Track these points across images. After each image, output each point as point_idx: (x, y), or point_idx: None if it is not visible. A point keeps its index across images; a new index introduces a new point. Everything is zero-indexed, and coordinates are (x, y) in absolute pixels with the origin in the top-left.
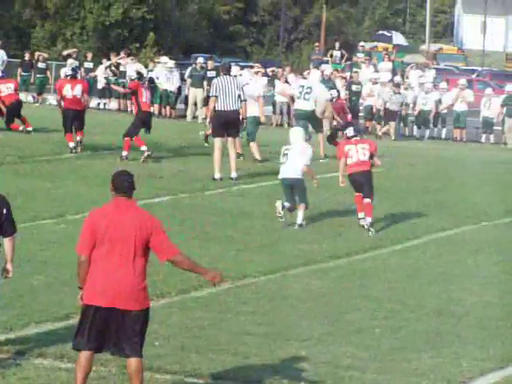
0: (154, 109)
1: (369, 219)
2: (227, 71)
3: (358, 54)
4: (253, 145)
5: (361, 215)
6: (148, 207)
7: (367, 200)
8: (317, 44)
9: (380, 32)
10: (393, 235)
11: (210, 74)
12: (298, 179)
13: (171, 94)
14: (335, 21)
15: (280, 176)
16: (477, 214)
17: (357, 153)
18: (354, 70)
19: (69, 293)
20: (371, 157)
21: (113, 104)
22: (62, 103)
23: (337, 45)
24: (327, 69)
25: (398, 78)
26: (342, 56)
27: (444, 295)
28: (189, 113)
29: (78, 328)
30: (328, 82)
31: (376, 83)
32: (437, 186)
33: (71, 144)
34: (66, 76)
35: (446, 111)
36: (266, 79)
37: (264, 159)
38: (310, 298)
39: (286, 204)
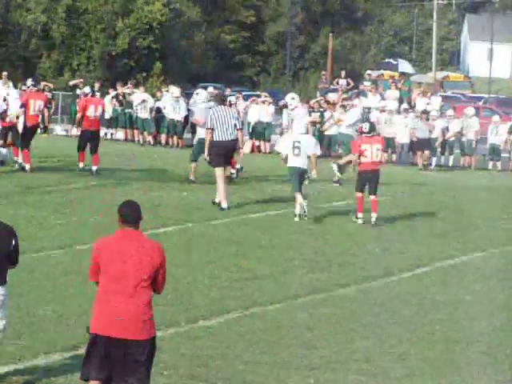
0: (161, 138)
1: (375, 215)
2: (222, 101)
3: (365, 83)
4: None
5: (360, 215)
6: (154, 237)
7: (373, 197)
8: (323, 72)
9: (386, 60)
10: (401, 263)
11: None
12: (306, 169)
13: (178, 123)
14: (341, 49)
15: (293, 164)
16: (484, 241)
17: (371, 153)
18: (362, 98)
19: (76, 323)
20: None
21: (119, 134)
22: (82, 122)
23: (343, 73)
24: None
25: (405, 106)
26: (348, 84)
27: (452, 322)
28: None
29: (86, 358)
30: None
31: (383, 111)
32: (444, 213)
33: (81, 164)
34: (86, 94)
35: (453, 138)
36: (273, 108)
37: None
38: (318, 327)
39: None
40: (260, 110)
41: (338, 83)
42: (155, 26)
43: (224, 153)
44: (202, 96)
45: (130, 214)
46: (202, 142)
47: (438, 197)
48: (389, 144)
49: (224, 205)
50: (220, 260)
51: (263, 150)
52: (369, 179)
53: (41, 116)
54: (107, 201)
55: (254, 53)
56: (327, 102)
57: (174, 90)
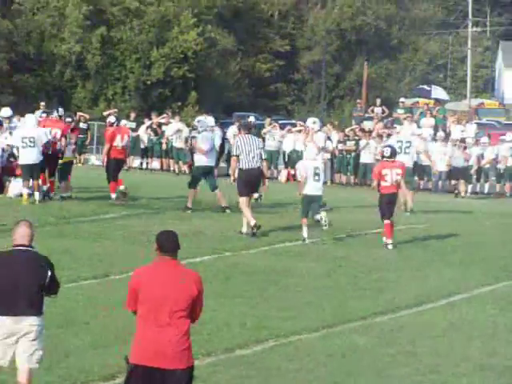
0: None
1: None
2: (248, 130)
3: (398, 110)
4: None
5: (390, 241)
6: (191, 266)
7: (390, 221)
8: (358, 101)
9: (420, 86)
10: (436, 291)
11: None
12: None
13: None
14: (376, 77)
15: (311, 193)
16: None
17: (391, 178)
18: (396, 126)
19: (113, 353)
20: None
21: (155, 163)
22: (109, 152)
23: (378, 101)
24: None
25: (441, 134)
26: (383, 112)
27: (488, 349)
28: None
29: None
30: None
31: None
32: (480, 241)
33: (113, 195)
34: (112, 124)
35: (488, 166)
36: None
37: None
38: (355, 355)
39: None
40: (295, 139)
41: (373, 111)
42: (190, 56)
43: (250, 180)
44: (203, 123)
45: (168, 244)
46: (200, 168)
47: (475, 223)
48: (425, 171)
49: (244, 229)
50: (256, 289)
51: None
52: (390, 202)
53: (59, 143)
54: (143, 230)
55: (289, 81)
56: (362, 130)
57: (209, 120)
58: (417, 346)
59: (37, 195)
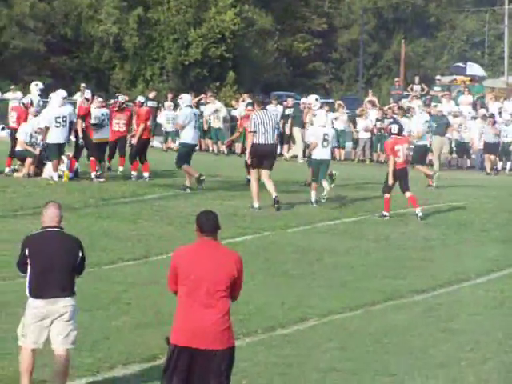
0: (236, 148)
1: (419, 209)
2: (263, 105)
3: (435, 88)
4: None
5: (387, 213)
6: (231, 246)
7: (410, 193)
8: (396, 79)
9: (455, 64)
10: (476, 268)
11: (288, 111)
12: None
13: None
14: (414, 55)
15: (320, 157)
16: None
17: (403, 153)
18: (434, 104)
19: (154, 334)
20: None
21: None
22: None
23: (416, 79)
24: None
25: (483, 111)
26: (423, 90)
27: None
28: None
29: (165, 369)
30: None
31: (456, 117)
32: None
33: (146, 174)
34: (142, 104)
35: None
36: (346, 115)
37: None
38: (395, 333)
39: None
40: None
41: (411, 89)
42: (227, 36)
43: (262, 155)
44: (185, 100)
45: (209, 224)
46: (185, 146)
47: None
48: (463, 149)
49: (256, 204)
50: (296, 268)
51: (338, 157)
52: (402, 177)
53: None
54: (182, 211)
55: (327, 60)
56: (400, 108)
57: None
58: (457, 324)
59: (55, 175)
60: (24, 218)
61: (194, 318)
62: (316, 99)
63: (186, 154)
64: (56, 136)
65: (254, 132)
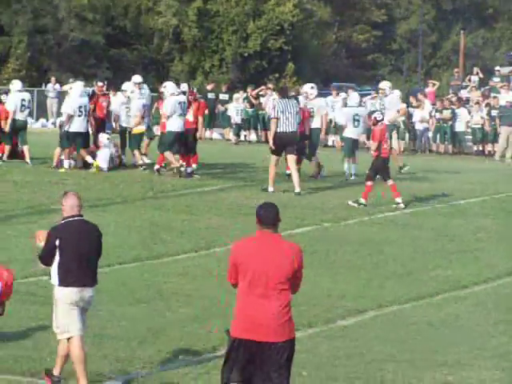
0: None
1: (400, 198)
2: (285, 93)
3: (494, 79)
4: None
5: (399, 199)
6: (290, 237)
7: (392, 181)
8: (456, 70)
9: (510, 53)
10: None
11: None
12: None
13: None
14: (473, 46)
15: (352, 136)
16: None
17: (387, 141)
18: (493, 94)
19: (215, 325)
20: None
21: (252, 136)
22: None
23: (475, 70)
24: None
25: None
26: (481, 80)
27: None
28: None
29: (225, 361)
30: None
31: None
32: None
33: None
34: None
35: None
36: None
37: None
38: (454, 323)
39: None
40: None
41: (469, 80)
42: (286, 27)
43: (284, 143)
44: (169, 89)
45: (269, 216)
46: (171, 133)
47: None
48: None
49: (270, 188)
50: (357, 259)
51: (398, 149)
52: (386, 164)
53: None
54: (242, 203)
55: (386, 51)
56: (459, 99)
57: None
58: None
59: (66, 163)
60: (83, 210)
61: (253, 310)
62: (311, 87)
63: (170, 141)
64: (77, 125)
65: (277, 119)
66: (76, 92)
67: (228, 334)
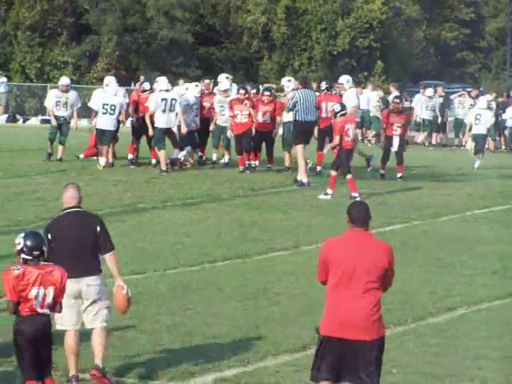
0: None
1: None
2: (305, 84)
3: None
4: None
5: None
6: (380, 236)
7: (351, 175)
8: None
9: None
10: None
11: (438, 100)
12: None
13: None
14: None
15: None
16: None
17: (352, 133)
18: None
19: (305, 324)
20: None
21: None
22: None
23: None
24: None
25: None
26: None
27: None
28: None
29: (315, 359)
30: None
31: None
32: None
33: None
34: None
35: None
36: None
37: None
38: None
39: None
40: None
41: None
42: (375, 25)
43: (305, 132)
44: (161, 84)
45: (360, 215)
46: (158, 130)
47: None
48: None
49: (305, 180)
50: (446, 257)
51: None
52: (349, 157)
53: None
54: (331, 201)
55: (475, 49)
56: None
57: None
58: None
59: (103, 161)
60: (173, 209)
61: (343, 308)
62: (347, 81)
63: (158, 138)
64: (102, 122)
65: (292, 110)
66: (110, 90)
67: (318, 331)
